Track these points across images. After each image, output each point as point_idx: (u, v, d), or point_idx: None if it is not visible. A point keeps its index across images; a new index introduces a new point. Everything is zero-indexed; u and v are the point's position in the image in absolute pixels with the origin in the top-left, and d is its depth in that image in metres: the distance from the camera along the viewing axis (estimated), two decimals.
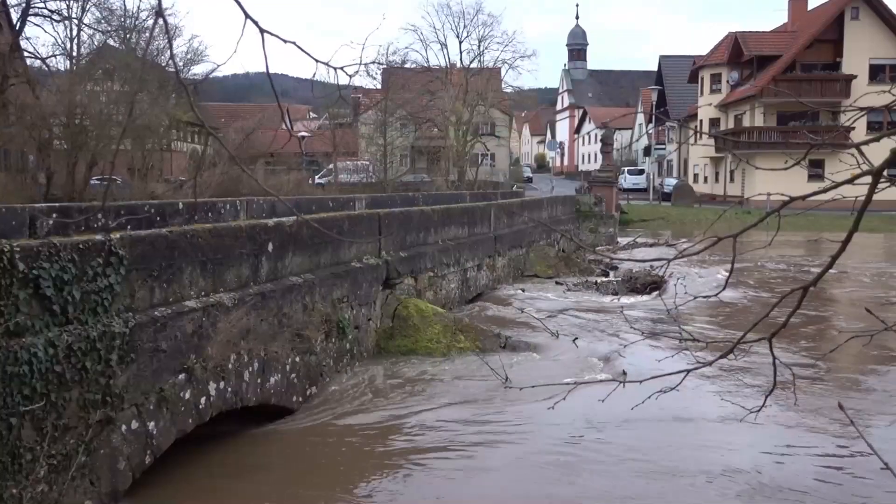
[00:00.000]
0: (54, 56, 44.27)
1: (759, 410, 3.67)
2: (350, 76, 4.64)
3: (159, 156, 44.72)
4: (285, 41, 3.98)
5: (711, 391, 10.06)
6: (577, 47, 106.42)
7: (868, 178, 2.93)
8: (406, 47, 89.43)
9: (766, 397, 3.50)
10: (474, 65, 59.86)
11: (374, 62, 44.96)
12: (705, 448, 8.34)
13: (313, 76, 5.28)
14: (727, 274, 3.51)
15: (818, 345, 13.61)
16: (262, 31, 3.84)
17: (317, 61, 4.23)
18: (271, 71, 4.27)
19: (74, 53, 43.12)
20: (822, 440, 8.57)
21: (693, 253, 3.23)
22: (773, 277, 22.34)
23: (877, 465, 3.87)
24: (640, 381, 3.40)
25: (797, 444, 8.45)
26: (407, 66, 58.43)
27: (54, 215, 11.26)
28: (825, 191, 2.86)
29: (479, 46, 60.20)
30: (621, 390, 3.47)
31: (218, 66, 53.07)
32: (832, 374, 11.45)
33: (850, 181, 2.85)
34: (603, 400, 3.92)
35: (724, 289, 3.75)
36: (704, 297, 4.30)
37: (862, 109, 3.35)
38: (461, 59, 60.80)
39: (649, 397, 3.59)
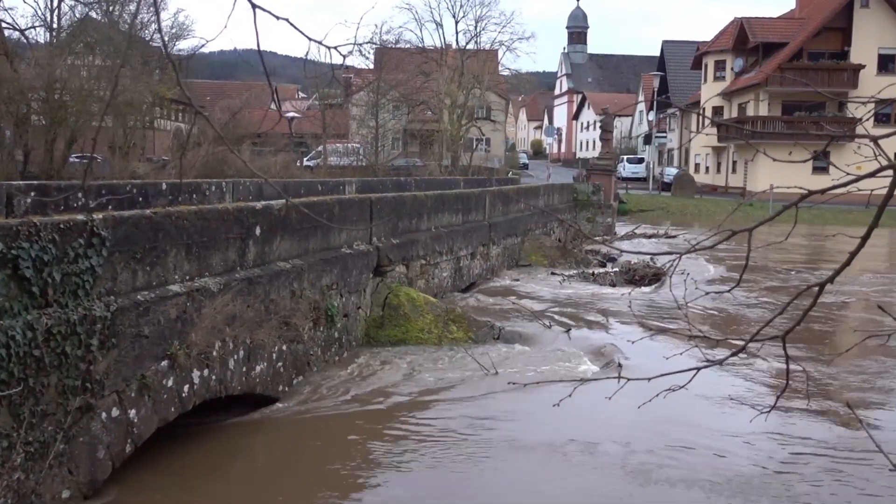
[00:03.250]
0: (33, 28, 43.94)
1: (769, 411, 3.66)
2: (344, 56, 4.60)
3: (141, 134, 44.47)
4: (278, 17, 3.93)
5: (721, 390, 10.06)
6: (578, 30, 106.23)
7: (889, 172, 2.91)
8: (400, 26, 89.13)
9: (778, 397, 3.48)
10: (470, 46, 59.68)
11: (369, 42, 44.77)
12: (713, 447, 8.37)
13: (306, 55, 5.22)
14: (739, 267, 3.48)
15: (831, 343, 13.65)
16: (254, 6, 3.79)
17: (310, 40, 4.18)
18: (260, 48, 4.22)
19: (54, 25, 42.78)
20: (832, 440, 8.61)
21: (706, 247, 3.21)
22: (783, 273, 22.38)
23: (885, 465, 3.87)
24: (648, 379, 3.38)
25: (806, 444, 8.49)
26: (401, 46, 58.22)
27: (32, 193, 11.17)
28: (845, 184, 2.84)
29: (475, 27, 60.01)
30: (626, 387, 3.44)
31: (207, 41, 52.89)
32: (844, 373, 11.48)
33: (872, 174, 2.83)
34: (609, 397, 3.90)
35: (737, 284, 3.72)
36: (717, 291, 4.27)
37: (882, 101, 3.32)
38: (457, 39, 60.63)
39: (657, 396, 3.58)
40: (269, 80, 4.83)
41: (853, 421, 8.67)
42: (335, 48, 4.35)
